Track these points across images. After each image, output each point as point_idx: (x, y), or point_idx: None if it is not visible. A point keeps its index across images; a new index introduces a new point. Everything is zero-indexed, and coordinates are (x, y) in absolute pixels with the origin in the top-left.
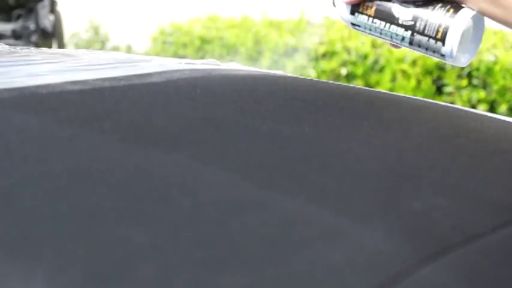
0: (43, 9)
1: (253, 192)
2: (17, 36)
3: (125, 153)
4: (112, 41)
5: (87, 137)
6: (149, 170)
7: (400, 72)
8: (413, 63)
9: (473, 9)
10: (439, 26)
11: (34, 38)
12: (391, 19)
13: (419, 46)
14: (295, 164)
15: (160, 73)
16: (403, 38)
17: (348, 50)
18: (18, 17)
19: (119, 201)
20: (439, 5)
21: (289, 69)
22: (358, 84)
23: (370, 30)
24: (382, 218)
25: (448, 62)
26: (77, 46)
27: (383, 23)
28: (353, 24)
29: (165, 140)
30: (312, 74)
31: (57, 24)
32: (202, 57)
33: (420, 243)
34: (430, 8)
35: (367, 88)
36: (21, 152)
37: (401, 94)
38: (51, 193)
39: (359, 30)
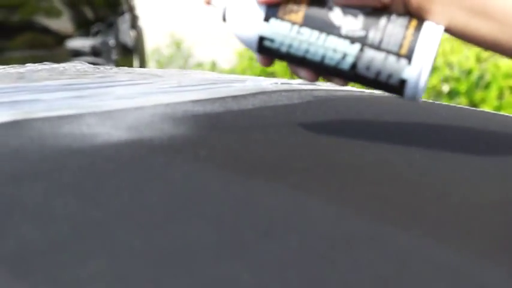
0: (124, 24)
1: (365, 226)
2: (96, 53)
3: (223, 183)
4: (195, 57)
5: (183, 165)
6: (250, 201)
7: (508, 88)
8: None
9: (441, 24)
10: (403, 38)
11: (114, 54)
12: (329, 28)
13: (367, 68)
14: (409, 195)
15: (256, 95)
16: (344, 56)
17: (450, 65)
18: (97, 33)
19: (220, 235)
20: (394, 14)
21: None
22: (461, 101)
23: (291, 47)
24: (507, 254)
25: (406, 93)
26: (158, 63)
27: (316, 33)
28: (262, 39)
29: (267, 169)
30: None
31: (138, 41)
32: (292, 73)
33: None
34: (385, 16)
35: (479, 109)
36: (113, 182)
37: None
38: (147, 227)
39: (269, 48)
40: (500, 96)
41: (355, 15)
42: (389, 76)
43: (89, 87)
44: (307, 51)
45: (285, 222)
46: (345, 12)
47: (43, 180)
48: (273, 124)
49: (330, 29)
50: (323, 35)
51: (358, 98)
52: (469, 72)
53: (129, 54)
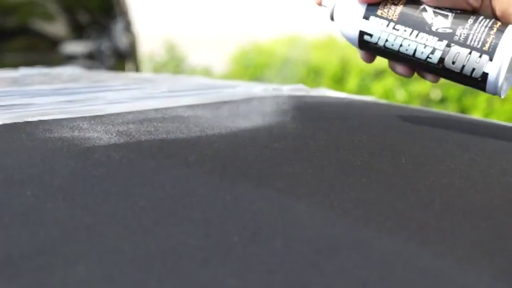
0: (118, 28)
1: (349, 230)
2: (90, 58)
3: (211, 188)
4: (189, 62)
5: (172, 170)
6: (237, 206)
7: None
8: None
9: None
10: (487, 36)
11: (107, 59)
12: (421, 25)
13: (453, 62)
14: (393, 200)
15: (246, 100)
16: (433, 51)
17: None
18: (91, 37)
19: (207, 239)
20: (481, 16)
21: (377, 92)
22: (451, 108)
23: (387, 41)
24: (489, 259)
25: (488, 87)
26: (153, 67)
27: (409, 29)
28: (362, 34)
29: (255, 174)
30: (402, 97)
31: (132, 45)
32: (284, 79)
33: None
34: (472, 17)
35: (466, 116)
36: (102, 186)
37: (502, 122)
38: (135, 231)
39: (369, 43)
40: (490, 103)
41: (445, 16)
42: (473, 70)
43: (81, 92)
44: (400, 45)
45: (271, 227)
46: (436, 13)
47: (33, 183)
48: (262, 129)
49: (422, 26)
50: (415, 32)
51: (348, 104)
52: None
53: (123, 58)
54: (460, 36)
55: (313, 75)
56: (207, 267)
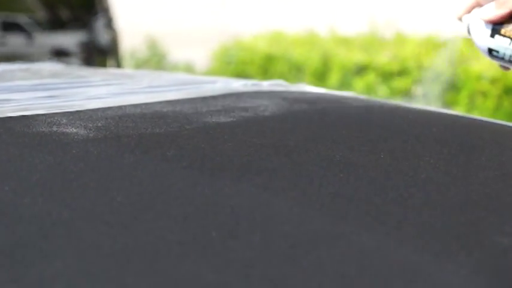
0: (98, 24)
1: (327, 225)
2: (71, 53)
3: (190, 183)
4: (170, 57)
5: (150, 165)
6: (216, 201)
7: (478, 91)
8: (493, 81)
9: None
10: None
11: (88, 54)
12: None
13: None
14: (372, 195)
15: (225, 96)
16: None
17: (422, 68)
18: (72, 33)
19: (185, 234)
20: None
21: (358, 88)
22: (433, 104)
23: (510, 56)
24: (467, 253)
25: None
26: (135, 63)
27: None
28: (490, 50)
29: (233, 169)
30: (383, 93)
31: (114, 41)
32: (265, 75)
33: (508, 280)
34: None
35: (446, 111)
36: (80, 182)
37: (483, 118)
38: (113, 226)
39: (497, 57)
40: (471, 99)
41: None
42: None
43: (61, 88)
44: None
45: (249, 222)
46: None
47: (11, 179)
48: (241, 125)
49: None
50: None
51: (327, 99)
52: (440, 75)
53: (104, 54)
54: None
55: (295, 71)
56: (186, 262)
